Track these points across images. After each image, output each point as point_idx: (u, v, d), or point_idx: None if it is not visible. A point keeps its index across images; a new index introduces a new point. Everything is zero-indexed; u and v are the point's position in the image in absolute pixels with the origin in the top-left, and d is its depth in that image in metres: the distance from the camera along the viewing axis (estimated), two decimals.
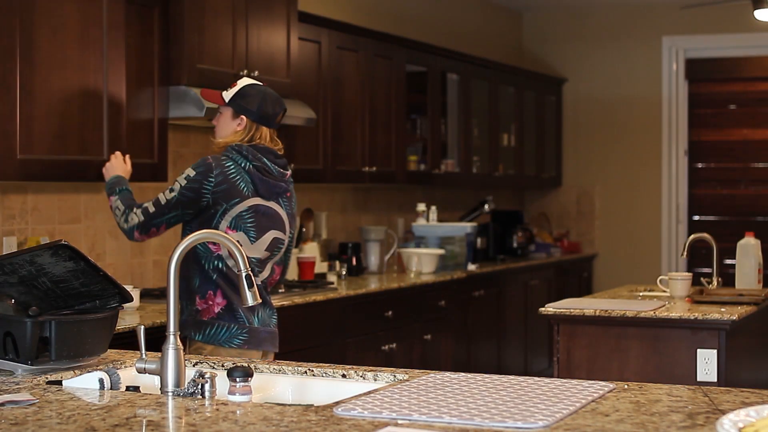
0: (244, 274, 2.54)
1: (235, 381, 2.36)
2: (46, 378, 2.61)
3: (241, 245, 3.66)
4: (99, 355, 2.80)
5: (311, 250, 5.85)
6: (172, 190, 3.67)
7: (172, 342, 2.44)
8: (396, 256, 6.70)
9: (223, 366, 2.86)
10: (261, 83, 3.87)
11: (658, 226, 8.94)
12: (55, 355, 2.65)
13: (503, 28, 9.07)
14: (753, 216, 8.83)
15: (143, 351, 2.56)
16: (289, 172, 3.87)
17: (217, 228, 3.62)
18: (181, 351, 2.45)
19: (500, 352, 7.29)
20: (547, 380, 2.53)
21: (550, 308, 4.50)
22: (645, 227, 8.98)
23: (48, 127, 3.98)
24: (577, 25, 9.15)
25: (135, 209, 3.70)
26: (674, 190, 8.90)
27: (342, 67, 6.02)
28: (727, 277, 5.44)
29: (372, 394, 2.36)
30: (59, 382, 2.57)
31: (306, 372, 2.79)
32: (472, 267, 6.85)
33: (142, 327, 2.56)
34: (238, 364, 2.47)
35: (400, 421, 2.10)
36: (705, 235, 5.26)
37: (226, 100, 3.78)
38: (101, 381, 2.53)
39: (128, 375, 2.75)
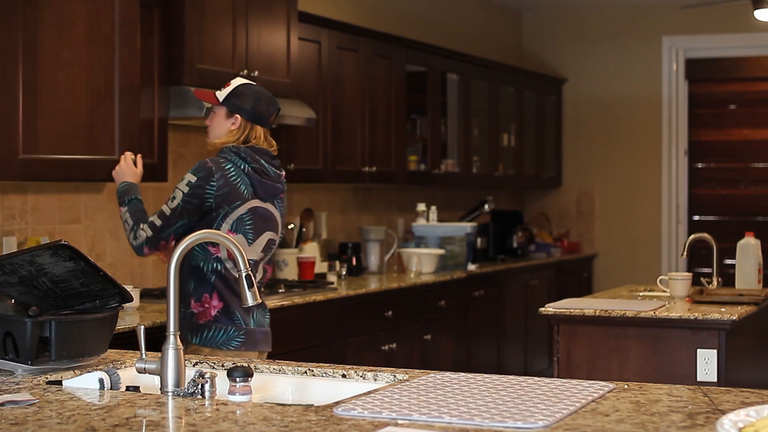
0: (244, 274, 2.54)
1: (235, 381, 2.36)
2: (46, 378, 2.61)
3: None
4: (99, 355, 2.80)
5: (311, 250, 5.85)
6: (174, 199, 3.63)
7: (172, 342, 2.44)
8: (396, 256, 6.70)
9: (223, 366, 2.86)
10: (254, 83, 3.85)
11: (658, 226, 8.94)
12: (55, 355, 2.65)
13: (503, 28, 9.07)
14: (753, 216, 8.83)
15: (143, 351, 2.56)
16: (283, 173, 3.86)
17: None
18: (181, 351, 2.45)
19: (500, 352, 7.29)
20: (547, 380, 2.53)
21: (550, 308, 4.50)
22: (645, 227, 8.98)
23: (52, 127, 3.96)
24: (577, 25, 9.15)
25: (142, 225, 3.65)
26: (674, 190, 8.90)
27: (342, 67, 6.02)
28: (727, 277, 5.44)
29: (372, 394, 2.36)
30: (59, 382, 2.57)
31: (306, 372, 2.79)
32: (472, 267, 6.85)
33: (142, 327, 2.56)
34: (238, 364, 2.47)
35: (400, 421, 2.10)
36: (705, 235, 5.26)
37: (220, 100, 3.75)
38: (101, 381, 2.53)
39: (128, 375, 2.75)
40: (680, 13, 8.65)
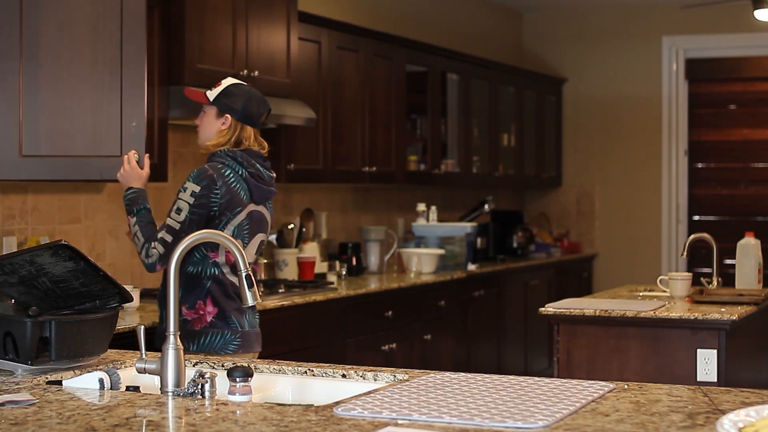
0: (244, 274, 2.54)
1: (235, 381, 2.36)
2: (46, 378, 2.61)
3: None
4: (99, 355, 2.80)
5: (311, 250, 5.85)
6: (180, 211, 3.55)
7: (172, 342, 2.44)
8: (396, 256, 6.70)
9: (223, 366, 2.86)
10: (246, 83, 3.82)
11: (658, 226, 8.94)
12: (55, 355, 2.65)
13: (503, 28, 9.07)
14: (753, 216, 8.83)
15: (143, 351, 2.56)
16: (274, 174, 3.85)
17: None
18: (181, 351, 2.45)
19: (500, 352, 7.29)
20: (547, 380, 2.53)
21: (550, 308, 4.50)
22: (645, 227, 8.98)
23: (54, 126, 3.93)
24: (577, 25, 9.15)
25: (154, 243, 3.54)
26: (674, 190, 8.90)
27: (342, 67, 6.02)
28: (727, 277, 5.44)
29: (372, 394, 2.36)
30: (59, 382, 2.57)
31: (306, 372, 2.79)
32: (472, 267, 6.85)
33: (142, 327, 2.56)
34: (238, 364, 2.47)
35: (400, 421, 2.10)
36: (705, 235, 5.26)
37: (211, 99, 3.71)
38: (101, 381, 2.53)
39: (128, 375, 2.75)
40: (680, 13, 8.65)
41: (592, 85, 9.12)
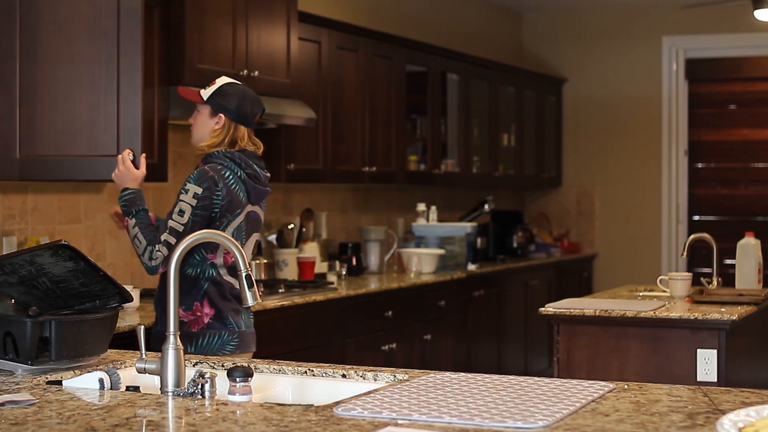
0: (244, 274, 2.54)
1: (235, 381, 2.36)
2: (46, 378, 2.61)
3: (226, 251, 3.66)
4: (99, 355, 2.80)
5: (311, 250, 5.85)
6: (182, 213, 3.52)
7: (172, 342, 2.44)
8: (396, 256, 6.70)
9: (223, 366, 2.86)
10: (240, 82, 3.79)
11: (658, 226, 8.94)
12: (55, 355, 2.65)
13: (503, 28, 9.07)
14: (753, 216, 8.83)
15: (143, 351, 2.56)
16: (269, 175, 3.83)
17: None
18: (181, 351, 2.45)
19: (500, 352, 7.29)
20: (547, 380, 2.53)
21: (550, 308, 4.50)
22: (645, 227, 8.98)
23: (51, 125, 3.93)
24: (577, 25, 9.15)
25: (157, 246, 3.50)
26: (674, 190, 8.90)
27: (342, 67, 6.02)
28: (727, 277, 5.44)
29: (372, 394, 2.36)
30: (59, 382, 2.57)
31: (306, 372, 2.79)
32: (472, 267, 6.85)
33: (142, 327, 2.56)
34: (238, 364, 2.47)
35: (400, 421, 2.10)
36: (705, 235, 5.26)
37: (205, 98, 3.69)
38: (101, 381, 2.53)
39: (128, 375, 2.75)
40: (680, 13, 8.65)
41: (592, 85, 9.12)
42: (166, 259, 3.50)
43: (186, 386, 2.44)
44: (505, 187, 8.74)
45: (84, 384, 2.53)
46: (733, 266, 5.22)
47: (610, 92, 9.07)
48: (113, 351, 3.01)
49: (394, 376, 2.67)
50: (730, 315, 4.25)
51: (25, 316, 2.62)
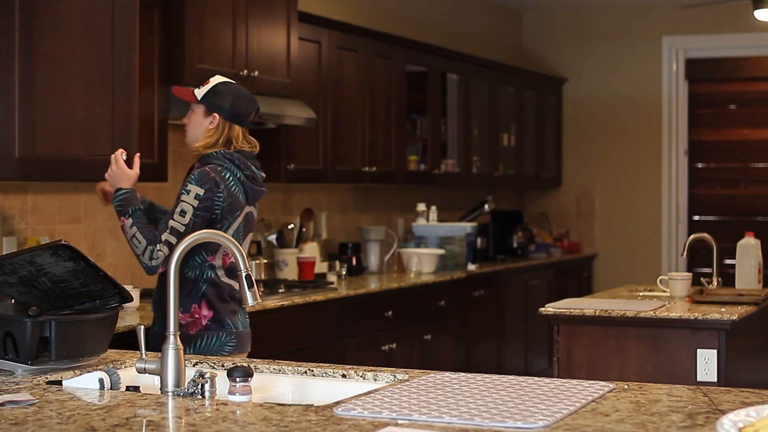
0: (244, 274, 2.54)
1: (235, 381, 2.36)
2: (46, 378, 2.61)
3: (226, 253, 3.66)
4: (99, 355, 2.80)
5: (311, 250, 5.85)
6: (184, 214, 3.50)
7: (172, 342, 2.44)
8: (396, 256, 6.70)
9: (223, 366, 2.86)
10: (234, 81, 3.76)
11: (658, 226, 8.94)
12: (55, 355, 2.65)
13: (503, 28, 9.08)
14: (753, 216, 8.83)
15: (143, 351, 2.56)
16: (264, 175, 3.82)
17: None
18: (181, 351, 2.45)
19: (500, 352, 7.29)
20: (547, 380, 2.53)
21: (550, 308, 4.50)
22: (645, 227, 8.98)
23: (49, 125, 3.93)
24: (577, 25, 9.15)
25: (158, 245, 3.48)
26: (674, 190, 8.90)
27: (342, 67, 6.02)
28: (727, 277, 5.44)
29: (372, 394, 2.36)
30: (59, 382, 2.57)
31: (306, 372, 2.79)
32: (472, 267, 6.85)
33: (142, 327, 2.56)
34: (238, 364, 2.47)
35: (400, 421, 2.10)
36: (705, 235, 5.26)
37: (199, 98, 3.65)
38: (101, 381, 2.53)
39: (128, 375, 2.75)
40: (680, 13, 8.65)
41: (592, 85, 9.12)
42: (167, 259, 3.48)
43: (186, 386, 2.44)
44: (505, 187, 8.74)
45: (84, 384, 2.53)
46: (733, 266, 5.22)
47: (610, 92, 9.07)
48: (113, 351, 3.01)
49: (394, 376, 2.67)
50: (730, 315, 4.25)
51: (25, 316, 2.62)
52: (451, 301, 6.42)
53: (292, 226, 5.78)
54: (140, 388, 2.55)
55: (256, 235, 5.78)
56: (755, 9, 6.73)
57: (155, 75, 4.54)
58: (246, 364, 2.53)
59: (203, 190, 3.52)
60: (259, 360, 2.98)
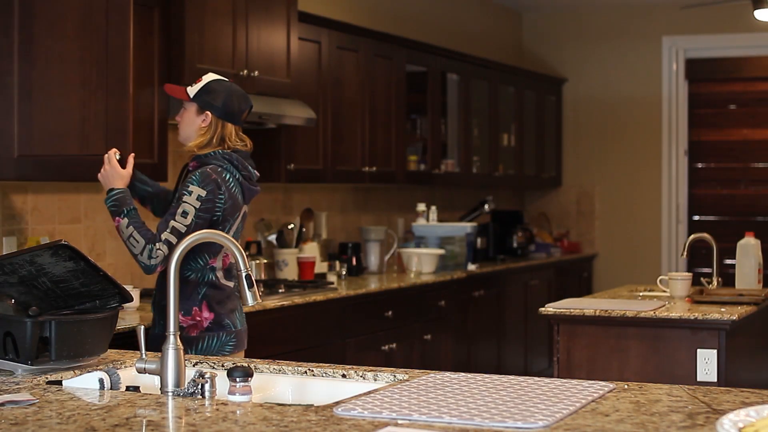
0: (244, 274, 2.54)
1: (235, 381, 2.36)
2: (46, 378, 2.61)
3: (225, 254, 3.66)
4: (99, 355, 2.80)
5: (311, 250, 5.85)
6: (185, 214, 3.48)
7: (172, 342, 2.44)
8: (396, 256, 6.70)
9: (223, 366, 2.86)
10: (227, 79, 3.74)
11: (658, 226, 8.94)
12: (55, 355, 2.65)
13: (503, 28, 9.08)
14: (753, 216, 8.83)
15: (143, 351, 2.56)
16: (258, 174, 3.80)
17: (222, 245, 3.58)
18: (181, 351, 2.45)
19: (500, 352, 7.29)
20: (547, 380, 2.53)
21: (550, 308, 4.50)
22: (645, 227, 8.98)
23: (46, 125, 3.92)
24: (577, 25, 9.15)
25: (157, 244, 3.45)
26: (674, 190, 8.90)
27: (342, 67, 6.02)
28: (727, 277, 5.44)
29: (372, 394, 2.36)
30: (59, 382, 2.57)
31: (306, 372, 2.79)
32: (472, 267, 6.85)
33: (142, 327, 2.56)
34: (238, 364, 2.47)
35: (400, 421, 2.10)
36: (705, 235, 5.26)
37: (191, 96, 3.63)
38: (101, 381, 2.53)
39: (128, 375, 2.75)
40: (680, 13, 8.65)
41: (592, 85, 9.12)
42: (166, 259, 3.47)
43: (186, 386, 2.44)
44: (505, 187, 8.74)
45: (84, 384, 2.53)
46: (733, 266, 5.22)
47: (610, 92, 9.07)
48: (113, 351, 3.01)
49: (394, 376, 2.67)
50: (730, 315, 4.25)
51: (25, 316, 2.62)
52: (451, 301, 6.42)
53: (292, 226, 5.78)
54: (140, 388, 2.55)
55: (256, 235, 5.78)
56: (755, 9, 6.73)
57: (155, 75, 4.55)
58: (246, 364, 2.53)
59: (205, 192, 3.51)
60: (259, 360, 2.98)
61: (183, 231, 3.47)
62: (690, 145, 8.95)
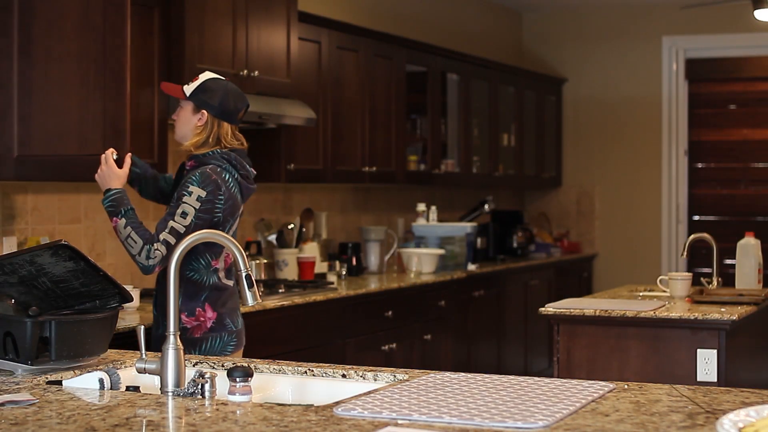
0: (244, 274, 2.54)
1: (235, 381, 2.36)
2: (46, 378, 2.61)
3: (227, 254, 3.66)
4: (99, 355, 2.80)
5: (311, 250, 5.85)
6: (185, 215, 3.47)
7: (172, 342, 2.44)
8: (396, 256, 6.70)
9: (223, 366, 2.86)
10: (223, 78, 3.72)
11: (658, 226, 8.94)
12: (55, 355, 2.65)
13: (503, 28, 9.07)
14: (753, 216, 8.83)
15: (143, 351, 2.56)
16: (255, 172, 3.80)
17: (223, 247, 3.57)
18: (181, 351, 2.45)
19: (500, 352, 7.29)
20: (547, 380, 2.53)
21: (550, 308, 4.50)
22: (645, 227, 8.98)
23: (45, 125, 3.92)
24: (577, 25, 9.15)
25: (156, 244, 3.44)
26: (674, 190, 8.90)
27: (342, 67, 6.02)
28: (727, 277, 5.44)
29: (372, 394, 2.36)
30: (59, 382, 2.57)
31: (306, 372, 2.79)
32: (472, 267, 6.85)
33: (142, 327, 2.56)
34: (238, 364, 2.47)
35: (400, 421, 2.10)
36: (705, 235, 5.26)
37: (187, 94, 3.62)
38: (101, 381, 2.53)
39: (128, 375, 2.75)
40: (680, 13, 8.65)
41: (592, 85, 9.12)
42: (164, 259, 3.46)
43: (186, 386, 2.44)
44: (505, 187, 8.74)
45: (84, 384, 2.53)
46: (733, 266, 5.22)
47: (610, 92, 9.07)
48: (113, 351, 3.01)
49: (394, 376, 2.67)
50: (730, 315, 4.25)
51: (25, 316, 2.62)
52: (451, 301, 6.42)
53: (292, 226, 5.78)
54: (140, 388, 2.55)
55: (256, 235, 5.78)
56: (755, 9, 6.73)
57: (155, 75, 4.55)
58: (246, 364, 2.53)
59: (205, 192, 3.50)
60: (259, 360, 2.98)
61: (182, 232, 3.46)
62: (690, 145, 8.95)
